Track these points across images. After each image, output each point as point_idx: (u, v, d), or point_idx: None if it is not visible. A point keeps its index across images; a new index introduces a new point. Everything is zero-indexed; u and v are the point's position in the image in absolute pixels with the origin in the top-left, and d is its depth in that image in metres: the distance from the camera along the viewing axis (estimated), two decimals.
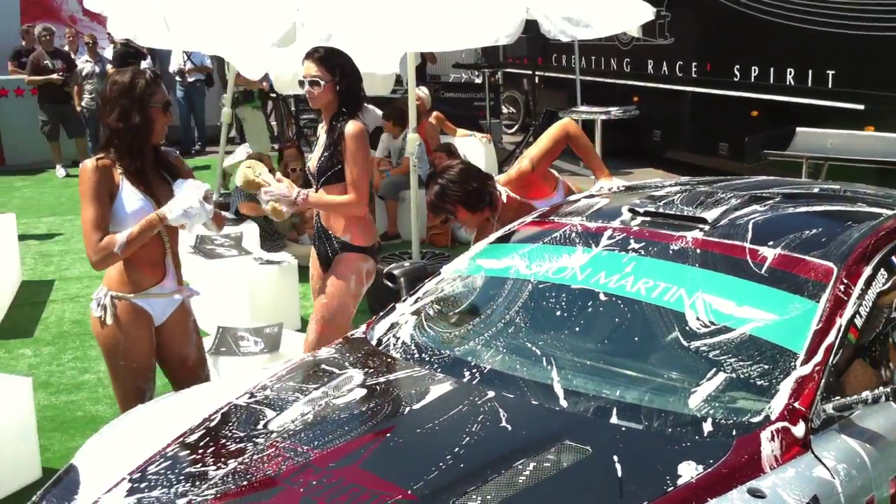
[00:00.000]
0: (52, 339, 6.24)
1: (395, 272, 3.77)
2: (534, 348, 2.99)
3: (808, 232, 3.11)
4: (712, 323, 2.82)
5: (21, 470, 4.19)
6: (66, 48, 13.45)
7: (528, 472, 2.35)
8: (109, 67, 12.71)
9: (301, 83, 4.15)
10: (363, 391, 2.87)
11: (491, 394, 2.76)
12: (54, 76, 12.31)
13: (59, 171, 12.57)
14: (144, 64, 13.55)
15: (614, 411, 2.63)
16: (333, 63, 4.12)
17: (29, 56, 13.18)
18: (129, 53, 13.28)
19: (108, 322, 3.53)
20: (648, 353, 2.90)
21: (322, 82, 4.08)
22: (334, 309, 4.20)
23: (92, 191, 3.44)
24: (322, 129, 4.27)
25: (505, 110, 15.28)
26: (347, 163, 4.08)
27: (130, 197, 3.48)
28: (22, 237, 8.32)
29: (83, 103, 12.65)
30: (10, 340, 6.22)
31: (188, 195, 3.47)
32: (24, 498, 3.91)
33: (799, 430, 2.49)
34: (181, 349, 3.71)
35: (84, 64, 12.74)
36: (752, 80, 9.89)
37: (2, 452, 4.07)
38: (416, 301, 3.47)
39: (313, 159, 4.24)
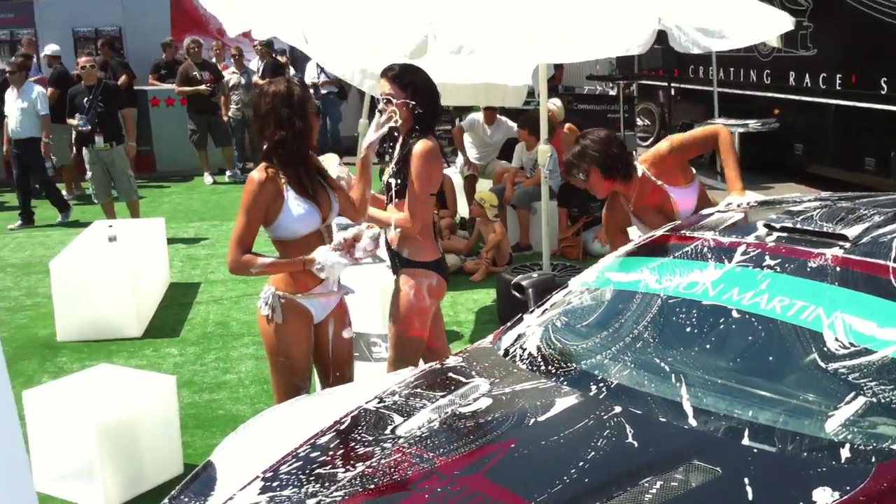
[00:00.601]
0: (197, 340, 6.52)
1: (524, 283, 3.79)
2: (662, 364, 2.95)
3: None
4: (852, 344, 2.71)
5: (164, 465, 4.39)
6: (213, 60, 14.06)
7: (654, 491, 2.32)
8: (255, 79, 13.21)
9: (376, 100, 4.18)
10: (489, 401, 2.90)
11: (618, 409, 2.74)
12: (202, 87, 12.87)
13: (207, 178, 13.13)
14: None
15: (746, 432, 2.57)
16: (406, 80, 4.11)
17: (168, 69, 13.87)
18: (277, 65, 13.79)
19: (276, 321, 3.69)
20: (783, 374, 2.82)
21: (395, 100, 4.08)
22: (401, 327, 4.20)
23: (251, 203, 3.59)
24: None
25: (639, 122, 15.06)
26: (410, 181, 4.07)
27: (295, 204, 3.63)
28: (170, 241, 8.74)
29: (230, 113, 13.18)
30: (158, 339, 6.54)
31: (337, 258, 3.61)
32: (166, 492, 4.08)
33: None
34: (335, 345, 3.86)
35: (230, 75, 13.28)
36: None
37: (147, 447, 4.28)
38: (543, 312, 3.47)
39: (387, 173, 4.28)
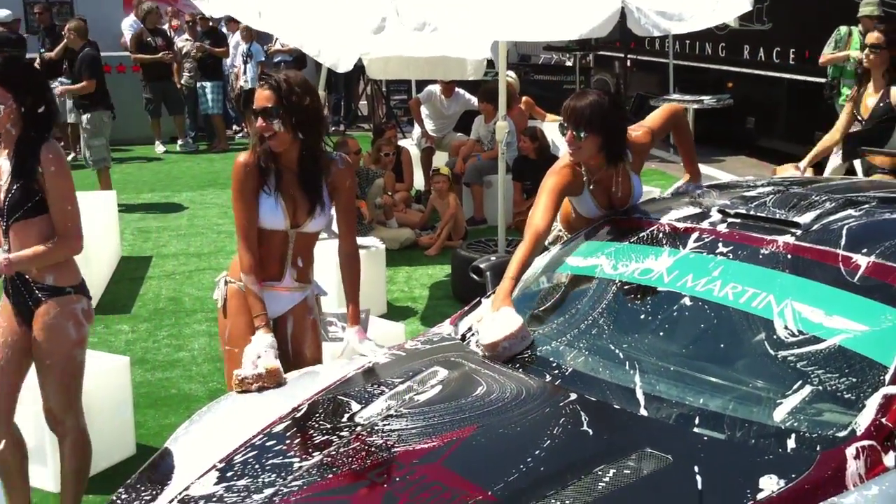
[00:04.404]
0: (149, 316, 6.46)
1: (482, 266, 3.80)
2: (617, 351, 2.99)
3: None
4: (801, 332, 2.77)
5: (116, 445, 4.37)
6: (166, 26, 13.80)
7: (607, 479, 2.37)
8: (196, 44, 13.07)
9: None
10: (447, 388, 2.92)
11: (573, 396, 2.78)
12: (162, 55, 12.62)
13: (158, 147, 12.94)
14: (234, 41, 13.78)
15: (696, 419, 2.62)
16: (16, 78, 3.49)
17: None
18: (214, 32, 13.48)
19: (219, 305, 3.63)
20: (734, 361, 2.87)
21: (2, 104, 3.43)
22: (64, 367, 3.57)
23: None
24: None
25: None
26: (57, 195, 3.45)
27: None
28: (121, 212, 8.61)
29: (182, 81, 12.98)
30: (109, 315, 6.45)
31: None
32: (120, 472, 4.10)
33: (885, 446, 2.45)
34: (297, 344, 3.69)
35: (184, 42, 13.06)
36: None
37: (99, 428, 4.23)
38: None
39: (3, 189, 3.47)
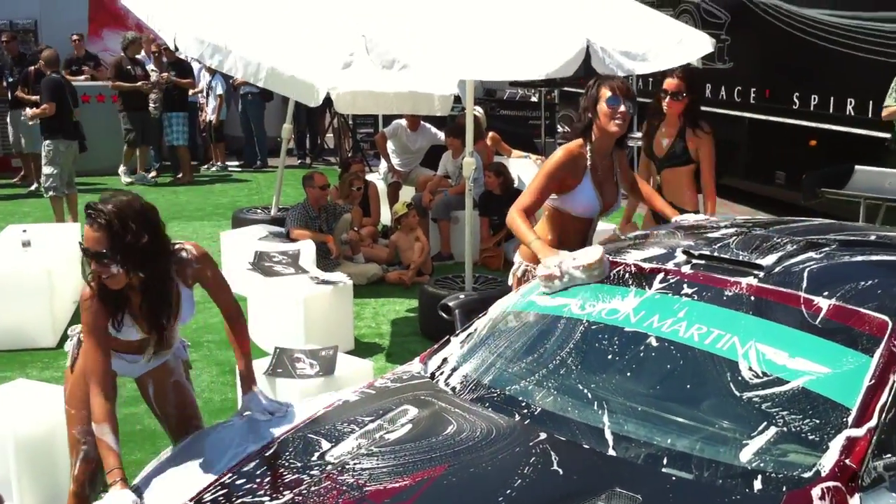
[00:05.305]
0: None
1: (451, 304, 3.84)
2: (585, 391, 3.03)
3: (863, 283, 3.09)
4: (765, 374, 2.83)
5: None
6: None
7: None
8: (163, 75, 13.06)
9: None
10: (417, 426, 2.93)
11: (542, 435, 2.81)
12: (141, 84, 12.58)
13: (124, 177, 12.75)
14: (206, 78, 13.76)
15: (665, 459, 2.66)
16: None
17: (79, 65, 13.54)
18: (179, 63, 13.48)
19: (68, 364, 3.54)
20: (700, 401, 2.92)
21: None
22: None
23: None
24: None
25: (560, 129, 15.28)
26: None
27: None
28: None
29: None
30: None
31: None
32: None
33: (849, 487, 2.50)
34: (161, 404, 3.68)
35: (150, 73, 13.03)
36: (812, 108, 9.79)
37: (65, 463, 4.19)
38: (469, 336, 3.52)
39: None
